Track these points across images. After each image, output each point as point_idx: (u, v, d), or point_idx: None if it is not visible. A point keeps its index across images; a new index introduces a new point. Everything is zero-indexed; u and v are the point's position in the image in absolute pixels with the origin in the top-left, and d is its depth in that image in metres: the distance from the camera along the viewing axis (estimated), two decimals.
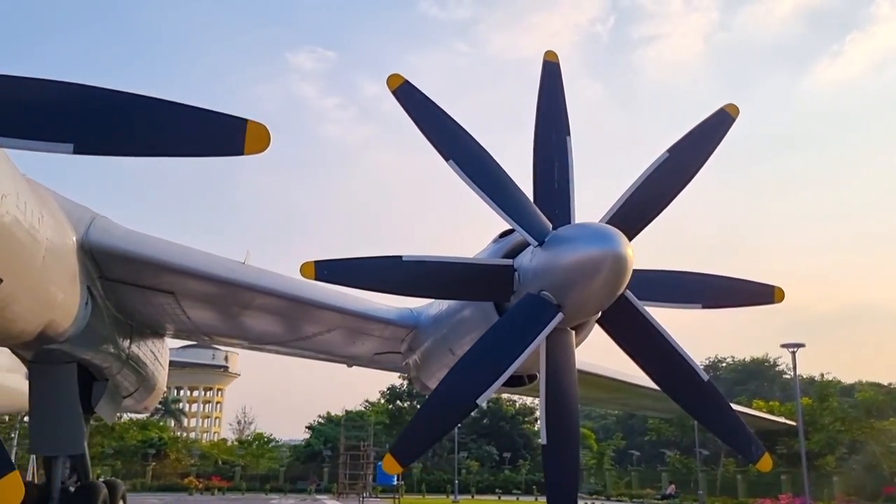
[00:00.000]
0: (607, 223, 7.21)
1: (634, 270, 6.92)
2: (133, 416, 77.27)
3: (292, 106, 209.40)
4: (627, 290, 7.23)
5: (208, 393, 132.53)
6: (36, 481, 17.09)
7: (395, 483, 57.37)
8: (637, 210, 7.57)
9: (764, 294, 8.59)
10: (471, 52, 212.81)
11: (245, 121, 4.79)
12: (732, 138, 8.08)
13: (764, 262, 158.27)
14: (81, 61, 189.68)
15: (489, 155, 7.70)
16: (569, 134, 8.13)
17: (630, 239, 6.93)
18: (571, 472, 7.19)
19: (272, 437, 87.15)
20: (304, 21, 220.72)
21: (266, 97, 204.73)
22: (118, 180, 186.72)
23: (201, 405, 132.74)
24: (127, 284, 9.66)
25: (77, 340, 9.20)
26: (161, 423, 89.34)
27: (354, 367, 14.33)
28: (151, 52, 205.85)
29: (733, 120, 8.12)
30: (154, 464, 72.32)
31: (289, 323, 11.61)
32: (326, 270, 7.34)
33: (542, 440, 7.08)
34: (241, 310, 11.03)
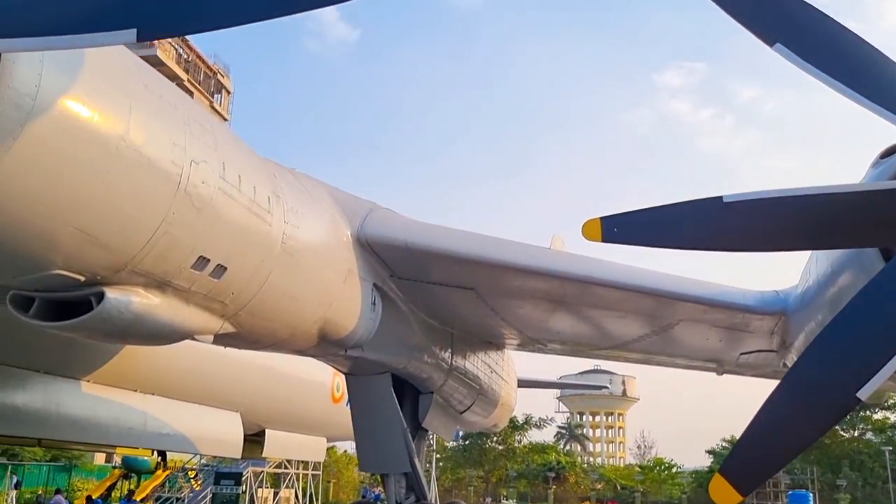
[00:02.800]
0: None
1: None
2: (533, 439, 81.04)
3: (665, 125, 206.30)
4: None
5: (609, 418, 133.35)
6: None
7: None
8: None
9: None
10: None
11: None
12: None
13: None
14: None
15: (844, 29, 5.12)
16: None
17: None
18: None
19: (673, 462, 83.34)
20: (665, 39, 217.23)
21: (637, 122, 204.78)
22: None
23: (604, 430, 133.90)
24: (423, 283, 8.86)
25: (378, 346, 8.69)
26: (566, 448, 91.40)
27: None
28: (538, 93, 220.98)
29: None
30: (554, 487, 74.02)
31: (619, 318, 9.81)
32: (616, 227, 5.45)
33: None
34: (559, 304, 9.52)
